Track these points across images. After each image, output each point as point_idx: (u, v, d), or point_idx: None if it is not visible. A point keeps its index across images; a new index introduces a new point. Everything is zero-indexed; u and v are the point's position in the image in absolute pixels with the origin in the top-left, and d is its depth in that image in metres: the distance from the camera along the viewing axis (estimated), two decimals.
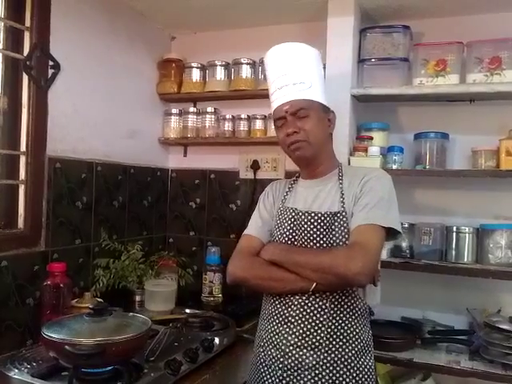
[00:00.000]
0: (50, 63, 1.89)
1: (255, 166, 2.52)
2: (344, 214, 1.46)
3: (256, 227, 1.61)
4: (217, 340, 1.77)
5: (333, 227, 1.45)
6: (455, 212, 2.19)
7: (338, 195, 1.50)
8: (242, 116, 2.45)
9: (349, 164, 2.08)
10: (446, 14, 2.17)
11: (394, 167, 2.10)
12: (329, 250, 1.44)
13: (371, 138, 2.19)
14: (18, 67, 1.83)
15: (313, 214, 1.48)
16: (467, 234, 2.08)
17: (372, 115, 2.31)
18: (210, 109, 2.51)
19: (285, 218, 1.54)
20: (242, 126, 2.45)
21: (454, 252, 2.09)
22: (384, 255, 2.11)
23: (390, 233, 1.45)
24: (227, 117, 2.48)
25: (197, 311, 2.13)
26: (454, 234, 2.09)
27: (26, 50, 1.82)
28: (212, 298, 2.33)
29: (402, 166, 2.12)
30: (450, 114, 2.19)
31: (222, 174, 2.61)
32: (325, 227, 1.46)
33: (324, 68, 2.21)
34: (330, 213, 1.47)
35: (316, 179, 1.58)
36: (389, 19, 2.22)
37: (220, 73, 2.48)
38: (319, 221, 1.47)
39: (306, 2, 2.16)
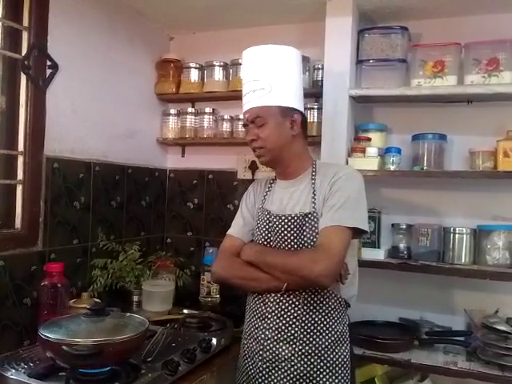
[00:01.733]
0: (48, 63, 1.89)
1: (253, 166, 2.52)
2: (315, 214, 1.50)
3: (238, 227, 1.68)
4: (214, 340, 1.77)
5: (304, 228, 1.50)
6: (453, 213, 2.20)
7: (310, 195, 1.55)
8: (241, 116, 2.44)
9: (347, 164, 2.08)
10: (444, 15, 2.18)
11: (392, 168, 2.10)
12: (296, 253, 1.50)
13: (369, 139, 2.19)
14: (15, 67, 1.82)
15: (283, 217, 1.54)
16: (465, 235, 2.08)
17: (370, 116, 2.31)
18: (208, 109, 2.52)
19: (262, 220, 1.61)
20: (241, 127, 2.45)
21: (451, 253, 2.09)
22: (382, 256, 2.12)
23: (357, 232, 1.50)
24: (225, 117, 2.48)
25: (194, 312, 2.12)
26: (452, 235, 2.10)
27: (24, 50, 1.82)
28: (210, 299, 2.33)
29: (400, 167, 2.12)
30: (447, 115, 2.19)
31: (220, 174, 2.61)
32: (295, 229, 1.51)
33: (322, 69, 2.22)
34: (301, 214, 1.52)
35: (290, 180, 1.62)
36: (387, 20, 2.22)
37: (218, 73, 2.48)
38: (289, 223, 1.53)
39: (304, 3, 2.16)
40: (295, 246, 1.51)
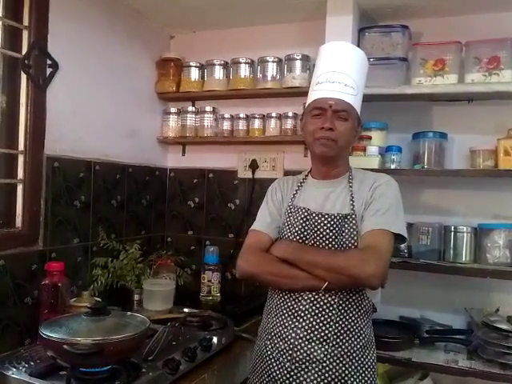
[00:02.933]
0: (48, 62, 1.88)
1: (254, 165, 2.52)
2: (354, 216, 1.49)
3: (265, 223, 1.62)
4: (215, 339, 1.77)
5: (343, 229, 1.48)
6: (453, 212, 2.20)
7: (347, 198, 1.53)
8: (241, 115, 2.45)
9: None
10: (445, 14, 2.17)
11: (393, 167, 2.10)
12: (343, 251, 1.47)
13: (370, 138, 2.19)
14: (16, 66, 1.82)
15: (326, 216, 1.50)
16: (465, 234, 2.08)
17: (370, 115, 2.30)
18: (208, 108, 2.51)
19: (296, 217, 1.55)
20: (241, 126, 2.45)
21: (452, 251, 2.10)
22: None
23: (397, 238, 1.50)
24: (226, 116, 2.48)
25: (195, 310, 2.12)
26: (452, 233, 2.10)
27: (24, 49, 1.82)
28: (210, 298, 2.33)
29: (401, 166, 2.12)
30: (448, 114, 2.19)
31: (220, 173, 2.61)
32: (337, 228, 1.49)
33: None
34: (341, 215, 1.50)
35: (327, 180, 1.59)
36: (387, 19, 2.22)
37: (219, 72, 2.48)
38: (332, 222, 1.49)
39: (304, 1, 2.16)
40: (336, 246, 1.48)
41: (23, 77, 1.83)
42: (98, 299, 1.86)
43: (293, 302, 1.50)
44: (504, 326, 1.89)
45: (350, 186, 1.55)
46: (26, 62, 1.80)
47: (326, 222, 1.50)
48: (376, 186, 1.52)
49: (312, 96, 1.56)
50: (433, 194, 2.24)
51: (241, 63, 2.42)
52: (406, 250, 2.17)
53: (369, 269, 1.36)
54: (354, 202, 1.52)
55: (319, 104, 1.52)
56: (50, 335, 1.34)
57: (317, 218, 1.51)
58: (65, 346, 1.30)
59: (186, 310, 2.13)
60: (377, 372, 1.56)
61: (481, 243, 2.06)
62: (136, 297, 2.15)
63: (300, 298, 1.49)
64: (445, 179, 2.14)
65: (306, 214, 1.54)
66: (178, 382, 1.52)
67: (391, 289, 2.21)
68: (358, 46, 2.16)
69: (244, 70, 2.41)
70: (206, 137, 2.51)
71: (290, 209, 1.59)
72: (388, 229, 1.45)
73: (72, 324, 1.43)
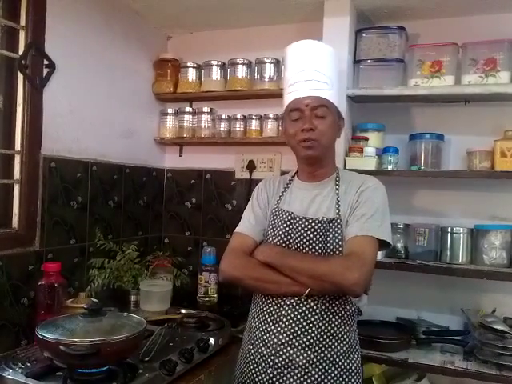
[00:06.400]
0: (45, 62, 1.88)
1: (251, 166, 2.52)
2: (339, 221, 1.47)
3: (249, 226, 1.60)
4: (212, 340, 1.77)
5: (327, 233, 1.46)
6: (450, 213, 2.20)
7: (334, 201, 1.51)
8: (238, 116, 2.45)
9: (344, 165, 2.08)
10: (442, 16, 2.18)
11: (389, 168, 2.10)
12: (326, 258, 1.45)
13: (367, 139, 2.19)
14: (12, 66, 1.82)
15: (310, 220, 1.49)
16: (462, 235, 2.09)
17: (367, 116, 2.31)
18: (205, 109, 2.51)
19: (280, 221, 1.53)
20: (238, 126, 2.45)
21: (448, 252, 2.10)
22: (379, 256, 2.11)
23: (382, 245, 1.48)
24: (223, 117, 2.48)
25: (192, 311, 2.12)
26: (449, 234, 2.10)
27: (21, 49, 1.81)
28: (207, 298, 2.33)
29: (397, 167, 2.13)
30: (445, 115, 2.19)
31: (217, 174, 2.61)
32: (320, 233, 1.47)
33: None
34: (326, 219, 1.47)
35: (314, 182, 1.57)
36: (384, 20, 2.22)
37: (216, 73, 2.48)
38: (316, 227, 1.47)
39: (302, 2, 2.16)
40: (319, 251, 1.46)
41: (20, 77, 1.82)
42: (94, 300, 1.85)
43: (275, 307, 1.49)
44: (500, 327, 1.89)
45: (337, 189, 1.53)
46: (22, 62, 1.80)
47: (309, 226, 1.48)
48: (363, 190, 1.50)
49: (287, 99, 1.54)
50: (429, 195, 2.24)
51: (238, 64, 2.42)
52: (402, 251, 2.17)
53: (352, 277, 1.34)
54: (339, 205, 1.49)
55: (296, 105, 1.50)
56: (47, 336, 1.34)
57: (300, 222, 1.49)
58: (61, 347, 1.30)
59: (183, 310, 2.13)
60: (362, 376, 1.54)
61: (477, 244, 2.07)
62: (133, 298, 2.15)
63: (282, 303, 1.47)
64: (441, 180, 2.14)
65: (289, 217, 1.52)
66: (174, 383, 1.52)
67: (388, 290, 2.23)
68: (355, 47, 2.18)
69: (241, 71, 2.41)
70: (204, 137, 2.51)
71: (275, 212, 1.57)
72: (373, 235, 1.42)
73: (69, 325, 1.42)
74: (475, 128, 2.15)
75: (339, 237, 1.46)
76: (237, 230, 1.62)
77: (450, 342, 2.05)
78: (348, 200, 1.49)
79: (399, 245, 2.18)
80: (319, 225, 1.47)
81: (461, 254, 2.08)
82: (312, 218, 1.49)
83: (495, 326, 1.89)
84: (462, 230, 2.10)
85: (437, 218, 2.20)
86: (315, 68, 1.50)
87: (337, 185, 1.54)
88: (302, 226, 1.49)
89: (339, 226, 1.46)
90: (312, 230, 1.47)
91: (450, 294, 2.19)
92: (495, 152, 1.98)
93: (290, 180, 1.64)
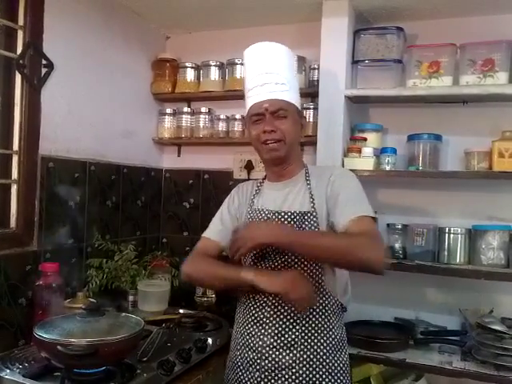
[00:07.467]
0: (43, 62, 1.88)
1: (249, 166, 2.52)
2: (314, 214, 1.49)
3: (215, 230, 1.64)
4: (210, 340, 1.77)
5: (303, 226, 1.47)
6: (448, 213, 2.20)
7: (307, 196, 1.52)
8: (237, 116, 2.45)
9: (342, 165, 2.08)
10: (440, 16, 2.18)
11: (387, 168, 2.10)
12: (347, 235, 1.39)
13: (365, 139, 2.19)
14: (10, 66, 1.82)
15: (283, 214, 1.51)
16: (460, 235, 2.09)
17: (366, 116, 2.32)
18: (204, 109, 2.51)
19: (256, 219, 1.56)
20: (236, 127, 2.45)
21: (446, 253, 2.10)
22: None
23: None
24: (221, 117, 2.48)
25: (190, 311, 2.13)
26: (447, 235, 2.10)
27: (19, 49, 1.81)
28: (205, 299, 2.33)
29: (395, 167, 2.13)
30: (443, 116, 2.20)
31: (215, 174, 2.61)
32: (295, 226, 1.48)
33: (318, 69, 2.22)
34: (300, 212, 1.49)
35: (284, 181, 1.59)
36: (383, 21, 2.22)
37: (214, 73, 2.48)
38: (289, 219, 1.49)
39: (300, 3, 2.16)
40: None
41: (18, 77, 1.82)
42: (92, 300, 1.85)
43: (257, 310, 1.50)
44: (498, 328, 1.89)
45: (308, 183, 1.55)
46: (20, 61, 1.80)
47: (283, 220, 1.50)
48: (333, 180, 1.51)
49: (247, 103, 1.58)
50: (427, 195, 2.24)
51: (236, 64, 2.41)
52: (400, 252, 2.18)
53: (379, 253, 1.32)
54: (313, 199, 1.50)
55: (255, 110, 1.53)
56: (44, 336, 1.34)
57: (274, 217, 1.51)
58: (59, 347, 1.30)
59: (181, 310, 2.13)
60: (350, 374, 1.55)
61: (475, 245, 2.07)
62: (131, 298, 2.15)
63: (264, 305, 1.48)
64: (439, 181, 2.14)
65: (264, 214, 1.54)
66: (172, 383, 1.52)
67: (386, 290, 2.23)
68: (354, 48, 2.17)
69: (240, 71, 2.41)
70: (202, 138, 2.51)
71: (250, 213, 1.59)
72: (367, 214, 1.43)
73: (66, 325, 1.42)
74: (473, 128, 2.15)
75: (315, 230, 1.47)
76: (203, 234, 1.66)
77: (447, 342, 2.05)
78: (321, 192, 1.51)
79: (397, 245, 2.19)
80: (292, 217, 1.49)
81: (459, 254, 2.08)
82: (285, 211, 1.51)
83: (493, 327, 1.89)
84: (459, 230, 2.10)
85: (435, 219, 2.20)
86: (271, 70, 1.54)
87: (307, 179, 1.56)
88: (277, 220, 1.50)
89: (315, 219, 1.48)
90: (286, 222, 1.49)
91: (448, 295, 2.19)
92: (493, 152, 1.98)
93: (260, 183, 1.67)
